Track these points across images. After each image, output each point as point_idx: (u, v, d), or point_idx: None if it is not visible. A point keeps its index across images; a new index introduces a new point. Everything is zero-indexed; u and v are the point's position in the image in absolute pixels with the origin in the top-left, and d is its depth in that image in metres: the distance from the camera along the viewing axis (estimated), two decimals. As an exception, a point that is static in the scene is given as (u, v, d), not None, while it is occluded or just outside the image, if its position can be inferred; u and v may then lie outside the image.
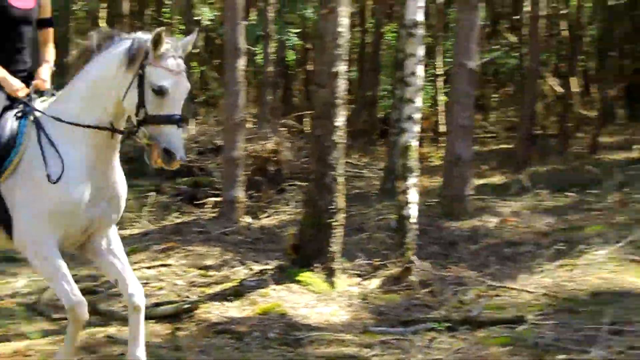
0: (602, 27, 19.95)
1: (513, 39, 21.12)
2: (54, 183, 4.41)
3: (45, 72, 4.98)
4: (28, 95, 4.78)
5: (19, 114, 4.68)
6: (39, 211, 4.48)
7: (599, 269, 7.39)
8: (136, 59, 4.41)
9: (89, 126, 4.53)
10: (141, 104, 4.36)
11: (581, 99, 19.98)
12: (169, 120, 4.34)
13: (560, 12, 19.64)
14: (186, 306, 6.61)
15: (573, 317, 6.22)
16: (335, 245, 7.28)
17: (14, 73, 4.86)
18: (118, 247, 4.81)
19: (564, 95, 18.60)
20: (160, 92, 4.34)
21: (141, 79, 4.38)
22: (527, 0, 17.52)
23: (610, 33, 19.47)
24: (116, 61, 4.48)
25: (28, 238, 4.54)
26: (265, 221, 10.48)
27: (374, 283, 7.47)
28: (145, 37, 4.48)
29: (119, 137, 4.61)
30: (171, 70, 4.39)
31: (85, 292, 5.31)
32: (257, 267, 7.78)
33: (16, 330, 6.32)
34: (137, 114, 4.39)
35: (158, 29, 4.39)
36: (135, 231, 10.11)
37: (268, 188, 12.00)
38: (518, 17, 19.78)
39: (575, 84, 18.66)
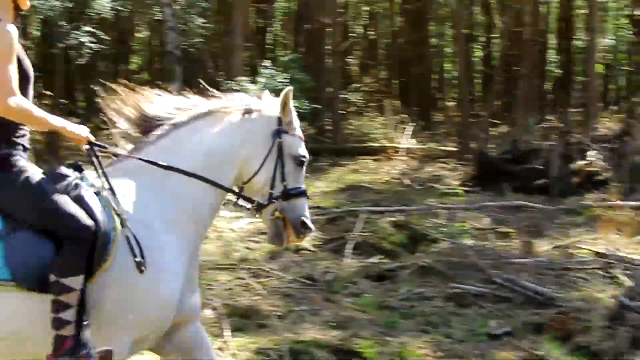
0: None
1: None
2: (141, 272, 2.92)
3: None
4: (94, 145, 3.15)
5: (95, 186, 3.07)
6: (135, 316, 2.96)
7: None
8: (265, 126, 3.27)
9: (220, 186, 3.20)
10: (282, 176, 3.25)
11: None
12: (304, 193, 3.32)
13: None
14: None
15: None
16: None
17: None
18: (204, 340, 3.33)
19: None
20: (301, 163, 3.31)
21: (280, 149, 3.26)
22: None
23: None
24: (244, 130, 3.25)
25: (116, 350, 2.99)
26: None
27: None
28: (254, 99, 3.34)
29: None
30: (302, 138, 3.37)
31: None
32: None
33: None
34: (272, 188, 3.24)
35: (286, 89, 3.28)
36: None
37: None
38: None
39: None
